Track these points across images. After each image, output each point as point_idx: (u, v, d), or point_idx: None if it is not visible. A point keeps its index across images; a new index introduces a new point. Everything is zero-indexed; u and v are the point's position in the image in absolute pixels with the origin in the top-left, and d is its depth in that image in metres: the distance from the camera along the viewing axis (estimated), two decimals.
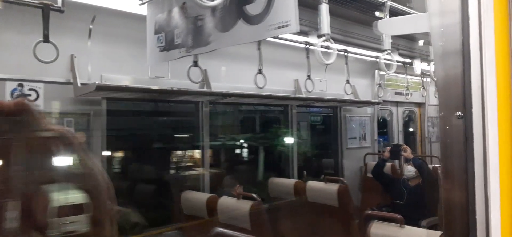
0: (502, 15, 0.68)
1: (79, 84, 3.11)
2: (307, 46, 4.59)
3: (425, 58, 6.10)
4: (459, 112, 0.76)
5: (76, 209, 0.54)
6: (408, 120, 7.43)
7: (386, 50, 3.01)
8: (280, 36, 4.09)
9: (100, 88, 3.02)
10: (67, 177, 0.55)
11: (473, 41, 0.66)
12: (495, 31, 0.67)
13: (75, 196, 0.56)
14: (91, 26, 3.18)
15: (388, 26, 1.99)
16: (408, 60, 5.98)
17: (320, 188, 4.50)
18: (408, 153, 5.18)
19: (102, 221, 0.58)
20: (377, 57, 5.21)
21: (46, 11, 2.36)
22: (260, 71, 4.02)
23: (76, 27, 3.20)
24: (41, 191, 0.53)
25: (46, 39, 2.46)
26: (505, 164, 0.68)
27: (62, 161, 0.54)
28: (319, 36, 2.83)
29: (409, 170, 5.07)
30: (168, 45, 2.99)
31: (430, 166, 5.57)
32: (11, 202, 0.52)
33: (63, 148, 0.54)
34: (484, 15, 0.66)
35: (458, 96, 0.76)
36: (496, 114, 0.67)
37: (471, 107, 0.66)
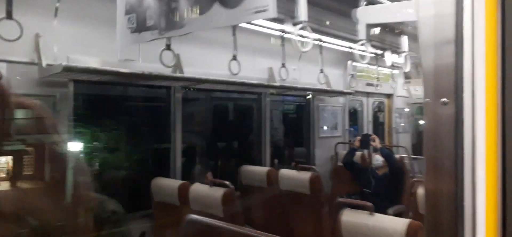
0: (492, 5, 0.68)
1: (44, 65, 2.96)
2: (283, 34, 4.57)
3: (395, 50, 6.23)
4: (445, 99, 0.76)
5: (45, 195, 0.49)
6: (378, 111, 7.60)
7: (360, 40, 3.03)
8: (255, 22, 4.06)
9: (67, 69, 2.89)
10: (34, 158, 0.49)
11: (466, 30, 0.66)
12: (485, 20, 0.67)
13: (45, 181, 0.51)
14: (57, 4, 3.02)
15: (367, 14, 1.99)
16: (379, 52, 6.08)
17: (292, 176, 4.53)
18: (376, 142, 5.31)
19: (75, 208, 0.53)
20: (350, 47, 5.28)
21: None
22: (234, 58, 3.97)
23: (42, 4, 3.03)
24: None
25: (9, 15, 2.32)
26: (491, 150, 0.68)
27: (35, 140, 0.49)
28: (296, 23, 2.81)
29: (377, 159, 5.19)
30: (140, 27, 2.88)
31: (397, 156, 5.72)
32: None
33: (37, 125, 0.49)
34: (476, 5, 0.65)
35: (444, 83, 0.75)
36: (484, 102, 0.67)
37: (462, 94, 0.66)
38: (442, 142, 0.75)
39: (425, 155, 0.82)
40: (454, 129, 0.68)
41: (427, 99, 0.80)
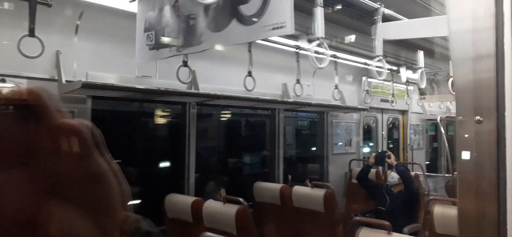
0: None
1: (64, 81, 3.01)
2: (298, 50, 4.58)
3: (410, 66, 6.19)
4: (478, 117, 0.74)
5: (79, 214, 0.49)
6: (392, 127, 7.52)
7: (377, 56, 3.01)
8: (271, 38, 4.08)
9: (86, 86, 2.92)
10: (75, 178, 0.49)
11: (507, 44, 0.64)
12: None
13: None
14: (78, 22, 3.08)
15: (387, 31, 1.98)
16: (395, 68, 6.05)
17: (306, 193, 4.48)
18: (392, 159, 5.24)
19: (110, 229, 0.52)
20: (365, 63, 5.26)
21: (33, 4, 2.27)
22: (249, 74, 3.98)
23: (63, 22, 3.10)
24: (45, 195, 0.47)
25: (31, 33, 2.37)
26: None
27: (74, 158, 0.49)
28: (312, 40, 2.81)
29: (393, 176, 5.11)
30: (158, 44, 2.93)
31: (412, 173, 5.64)
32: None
33: (78, 143, 0.48)
34: None
35: (480, 101, 0.74)
36: None
37: (504, 112, 0.64)
38: (478, 162, 0.73)
39: (458, 175, 0.80)
40: (495, 148, 0.66)
41: (460, 117, 0.78)
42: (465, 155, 0.78)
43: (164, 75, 3.68)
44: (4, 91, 0.48)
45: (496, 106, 0.65)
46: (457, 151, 0.81)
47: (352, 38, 4.04)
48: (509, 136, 0.64)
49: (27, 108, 0.47)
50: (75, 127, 0.48)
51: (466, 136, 0.77)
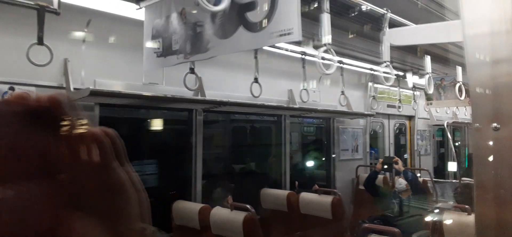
0: None
1: (72, 89, 3.02)
2: (304, 56, 4.58)
3: (417, 72, 6.16)
4: (495, 124, 0.73)
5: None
6: (399, 133, 7.48)
7: (384, 62, 3.00)
8: (277, 45, 4.08)
9: (94, 93, 2.93)
10: (94, 188, 0.48)
11: None
12: None
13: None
14: (86, 30, 3.11)
15: (396, 37, 1.97)
16: (401, 73, 6.02)
17: (313, 199, 4.46)
18: (399, 165, 5.20)
19: None
20: (371, 69, 5.25)
21: (41, 12, 2.29)
22: (256, 80, 3.98)
23: (71, 30, 3.12)
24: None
25: (40, 41, 2.38)
26: None
27: (94, 168, 0.48)
28: (319, 46, 2.81)
29: (400, 182, 5.07)
30: (165, 51, 2.94)
31: (420, 179, 5.60)
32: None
33: (98, 153, 0.48)
34: None
35: (496, 107, 0.73)
36: None
37: None
38: (495, 170, 0.72)
39: (475, 183, 0.79)
40: None
41: (477, 124, 0.77)
42: (482, 163, 0.77)
43: (171, 82, 3.69)
44: (24, 98, 0.48)
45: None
46: (474, 158, 0.80)
47: (350, 44, 4.02)
48: None
49: (48, 116, 0.47)
50: (95, 136, 0.48)
51: (483, 143, 0.76)
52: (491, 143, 0.74)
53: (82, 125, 0.48)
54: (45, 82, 2.99)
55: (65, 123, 0.46)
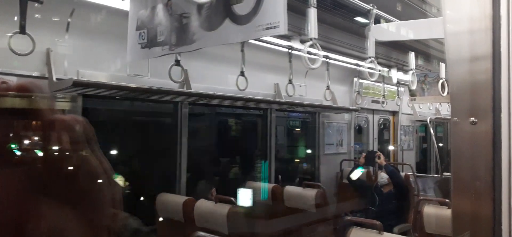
0: None
1: (54, 79, 2.97)
2: (291, 50, 4.59)
3: (401, 68, 6.25)
4: (473, 118, 0.75)
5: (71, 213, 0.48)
6: (383, 128, 7.58)
7: (369, 57, 3.03)
8: (263, 38, 4.08)
9: (77, 84, 2.89)
10: (65, 174, 0.48)
11: (503, 46, 0.65)
12: None
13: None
14: (69, 20, 3.05)
15: (381, 33, 1.99)
16: (386, 69, 6.09)
17: (298, 193, 4.50)
18: (381, 159, 5.27)
19: (99, 226, 0.51)
20: (357, 64, 5.30)
21: (23, 1, 2.24)
22: (242, 73, 3.98)
23: (54, 20, 3.06)
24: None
25: (22, 30, 2.33)
26: None
27: (65, 155, 0.48)
28: (305, 41, 2.81)
29: (382, 176, 5.15)
30: (150, 42, 2.90)
31: (402, 174, 5.69)
32: None
33: (67, 140, 0.48)
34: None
35: (475, 102, 0.75)
36: None
37: (500, 113, 0.65)
38: (472, 163, 0.74)
39: (453, 176, 0.81)
40: (489, 149, 0.67)
41: (455, 118, 0.79)
42: (460, 155, 0.79)
43: (156, 74, 3.66)
44: None
45: (492, 108, 0.66)
46: (452, 151, 0.82)
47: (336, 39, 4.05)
48: (505, 137, 0.65)
49: (18, 104, 0.46)
50: (67, 123, 0.48)
51: (461, 136, 0.78)
52: (468, 136, 0.76)
53: (53, 112, 0.47)
54: (27, 72, 2.94)
55: (36, 110, 0.46)
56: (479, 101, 0.71)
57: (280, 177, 5.35)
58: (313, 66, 2.71)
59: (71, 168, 0.49)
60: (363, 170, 5.36)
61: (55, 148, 0.48)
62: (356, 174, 5.21)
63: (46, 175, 0.47)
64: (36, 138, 0.48)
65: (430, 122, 6.92)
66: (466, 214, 0.72)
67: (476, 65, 0.71)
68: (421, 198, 4.25)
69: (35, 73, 2.99)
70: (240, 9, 2.40)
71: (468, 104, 0.75)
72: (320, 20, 2.72)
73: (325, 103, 5.44)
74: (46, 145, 0.48)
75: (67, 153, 0.49)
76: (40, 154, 0.48)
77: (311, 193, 4.38)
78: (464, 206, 0.74)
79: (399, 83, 6.76)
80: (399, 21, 2.71)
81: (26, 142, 0.47)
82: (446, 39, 0.80)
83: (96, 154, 0.52)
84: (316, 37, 2.61)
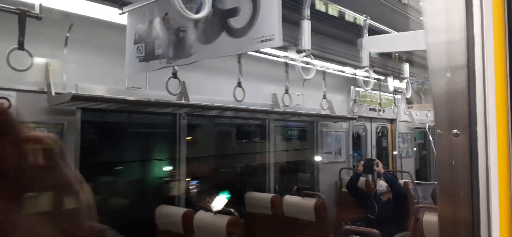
0: (500, 34, 0.71)
1: (53, 94, 3.01)
2: (287, 61, 4.63)
3: (397, 76, 6.29)
4: (456, 130, 0.78)
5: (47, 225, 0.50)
6: (381, 136, 7.61)
7: (364, 67, 3.08)
8: (260, 50, 4.12)
9: (76, 98, 2.93)
10: (41, 188, 0.50)
11: (477, 59, 0.68)
12: (494, 49, 0.69)
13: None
14: (68, 34, 3.09)
15: (372, 44, 2.03)
16: (382, 77, 6.14)
17: (297, 202, 4.51)
18: (380, 167, 5.29)
19: None
20: (354, 73, 5.34)
21: (22, 17, 2.28)
22: (239, 85, 4.01)
23: (52, 34, 3.10)
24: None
25: (21, 46, 2.37)
26: (503, 181, 0.70)
27: (41, 169, 0.50)
28: (300, 51, 2.86)
29: (381, 184, 5.16)
30: (148, 56, 2.94)
31: (401, 181, 5.70)
32: None
33: (42, 156, 0.50)
34: (486, 33, 0.68)
35: (456, 114, 0.77)
36: (495, 132, 0.69)
37: (476, 125, 0.68)
38: (455, 172, 0.76)
39: (439, 185, 0.84)
40: (468, 160, 0.69)
41: (439, 130, 0.82)
42: (444, 167, 0.82)
43: (154, 86, 3.70)
44: None
45: (468, 121, 0.69)
46: (437, 162, 0.85)
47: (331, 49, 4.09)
48: (481, 148, 0.68)
49: None
50: (41, 139, 0.50)
51: (445, 148, 0.81)
52: (451, 148, 0.78)
53: (28, 130, 0.50)
54: (26, 87, 2.97)
55: (11, 128, 0.48)
56: (459, 114, 0.74)
57: (276, 187, 5.35)
58: (307, 77, 2.75)
59: (46, 181, 0.51)
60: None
61: (31, 162, 0.51)
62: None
63: (21, 188, 0.49)
64: (10, 153, 0.50)
65: (428, 128, 6.95)
66: (450, 221, 0.75)
67: (454, 76, 0.74)
68: (420, 205, 4.25)
69: (34, 88, 3.02)
70: (236, 22, 2.45)
71: (450, 117, 0.78)
72: (316, 31, 2.77)
73: (322, 112, 5.48)
74: (20, 160, 0.50)
75: (45, 167, 0.51)
76: (15, 168, 0.50)
77: (310, 202, 4.39)
78: (448, 213, 0.77)
79: (395, 91, 6.80)
80: (392, 32, 2.76)
81: (3, 157, 0.50)
82: (428, 50, 0.83)
83: (69, 169, 0.54)
84: (310, 48, 2.65)
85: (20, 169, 0.50)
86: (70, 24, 3.11)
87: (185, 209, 3.76)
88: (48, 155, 0.52)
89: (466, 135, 0.70)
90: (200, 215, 3.61)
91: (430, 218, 3.65)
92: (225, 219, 3.40)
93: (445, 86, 0.77)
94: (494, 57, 0.70)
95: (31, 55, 2.48)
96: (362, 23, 3.06)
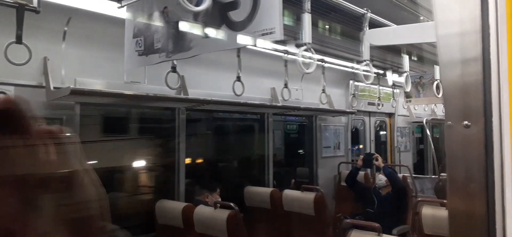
0: None
1: (52, 88, 2.98)
2: (286, 54, 4.61)
3: (396, 70, 6.29)
4: (466, 122, 0.77)
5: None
6: (380, 130, 7.62)
7: (364, 60, 3.06)
8: (259, 43, 4.10)
9: (75, 92, 2.90)
10: (51, 187, 0.48)
11: (492, 50, 0.67)
12: (507, 39, 0.68)
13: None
14: (66, 28, 3.06)
15: (375, 37, 2.02)
16: (381, 71, 6.14)
17: (296, 197, 4.51)
18: (379, 161, 5.29)
19: None
20: (352, 67, 5.33)
21: (20, 11, 2.25)
22: (238, 79, 4.00)
23: (51, 28, 3.07)
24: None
25: (19, 40, 2.34)
26: None
27: (50, 167, 0.48)
28: (300, 45, 2.84)
29: (380, 178, 5.17)
30: (147, 50, 2.92)
31: (400, 175, 5.71)
32: None
33: (54, 153, 0.48)
34: (500, 24, 0.67)
35: (467, 106, 0.76)
36: (509, 123, 0.68)
37: (491, 116, 0.67)
38: (467, 165, 0.75)
39: (448, 178, 0.83)
40: (482, 152, 0.68)
41: (449, 122, 0.81)
42: (454, 159, 0.81)
43: (153, 81, 3.67)
44: None
45: (484, 112, 0.68)
46: (447, 154, 0.84)
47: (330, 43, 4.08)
48: (496, 140, 0.67)
49: (4, 117, 0.47)
50: (53, 135, 0.49)
51: (455, 140, 0.79)
52: (462, 139, 0.77)
53: (40, 125, 0.49)
54: (25, 81, 2.94)
55: (23, 123, 0.47)
56: (471, 105, 0.73)
57: (274, 182, 5.35)
58: (307, 71, 2.74)
59: (58, 178, 0.49)
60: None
61: (43, 160, 0.49)
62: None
63: (33, 186, 0.48)
64: (23, 150, 0.49)
65: (426, 123, 6.97)
66: (462, 214, 0.74)
67: (467, 69, 0.73)
68: (419, 199, 4.26)
69: (32, 83, 2.99)
70: (236, 15, 2.43)
71: (461, 108, 0.77)
72: (316, 25, 2.75)
73: (321, 106, 5.47)
74: (32, 156, 0.48)
75: (55, 165, 0.49)
76: (26, 165, 0.48)
77: (309, 196, 4.39)
78: (459, 207, 0.76)
79: (394, 85, 6.80)
80: (394, 25, 2.74)
81: (12, 153, 0.48)
82: (438, 43, 0.81)
83: (83, 166, 0.52)
84: (310, 42, 2.64)
85: (31, 166, 0.48)
86: (68, 18, 3.08)
87: (185, 204, 3.76)
88: (59, 152, 0.50)
89: (479, 126, 0.69)
90: (200, 209, 3.61)
91: (428, 212, 3.66)
92: (225, 213, 3.40)
93: (457, 78, 0.76)
94: (508, 49, 0.69)
95: (29, 49, 2.45)
96: (362, 17, 3.05)
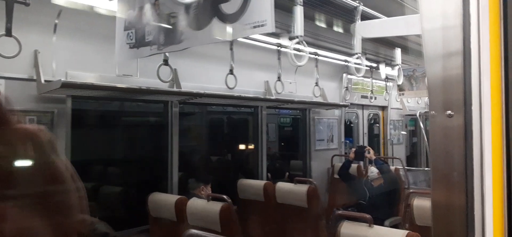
0: (495, 17, 0.71)
1: (43, 81, 2.96)
2: (279, 47, 4.61)
3: (389, 63, 6.31)
4: (450, 111, 0.78)
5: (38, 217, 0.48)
6: (373, 123, 7.65)
7: (356, 53, 3.07)
8: (252, 36, 4.10)
9: (66, 85, 2.88)
10: (31, 182, 0.49)
11: (473, 42, 0.69)
12: (489, 32, 0.69)
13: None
14: (56, 21, 3.04)
15: (366, 29, 2.03)
16: (374, 65, 6.16)
17: (290, 189, 4.53)
18: (371, 154, 5.34)
19: (68, 231, 0.52)
20: (346, 60, 5.35)
21: (10, 3, 2.24)
22: (231, 72, 3.99)
23: (41, 21, 3.04)
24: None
25: (8, 33, 2.33)
26: (497, 161, 0.70)
27: (29, 163, 0.49)
28: (292, 38, 2.85)
29: (372, 171, 5.21)
30: (138, 42, 2.90)
31: (392, 167, 5.76)
32: None
33: (33, 148, 0.49)
34: (482, 17, 0.68)
35: (450, 96, 0.78)
36: (490, 112, 0.70)
37: (471, 105, 0.68)
38: (449, 155, 0.77)
39: (432, 167, 0.84)
40: (463, 141, 0.70)
41: (433, 112, 0.82)
42: (437, 148, 0.82)
43: (145, 74, 3.66)
44: None
45: (464, 101, 0.69)
46: (430, 144, 0.85)
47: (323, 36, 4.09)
48: (476, 129, 0.68)
49: None
50: (31, 131, 0.49)
51: (438, 129, 0.81)
52: (445, 129, 0.79)
53: (18, 122, 0.49)
54: (15, 74, 2.92)
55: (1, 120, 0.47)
56: (453, 96, 0.75)
57: (269, 175, 5.37)
58: (299, 64, 2.74)
59: (37, 173, 0.50)
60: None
61: (21, 155, 0.50)
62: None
63: (12, 180, 0.48)
64: (3, 146, 0.49)
65: (419, 115, 7.01)
66: (444, 203, 0.76)
67: (450, 60, 0.74)
68: (411, 191, 4.30)
69: (23, 76, 2.97)
70: (228, 8, 2.42)
71: (444, 98, 0.78)
72: (308, 17, 2.75)
73: (315, 99, 5.48)
74: (10, 152, 0.49)
75: (36, 159, 0.50)
76: (4, 159, 0.49)
77: (302, 189, 4.41)
78: (441, 196, 0.78)
79: (387, 78, 6.83)
80: (384, 18, 2.75)
81: None
82: (423, 35, 0.83)
83: (61, 161, 0.53)
84: (303, 34, 2.64)
85: (9, 162, 0.49)
86: (59, 11, 3.05)
87: (177, 196, 3.76)
88: (38, 147, 0.51)
89: (461, 114, 0.71)
90: (193, 202, 3.61)
91: (420, 203, 3.70)
92: (218, 205, 3.41)
93: (440, 69, 0.77)
94: (489, 41, 0.71)
95: (19, 42, 2.43)
96: (355, 10, 3.05)
